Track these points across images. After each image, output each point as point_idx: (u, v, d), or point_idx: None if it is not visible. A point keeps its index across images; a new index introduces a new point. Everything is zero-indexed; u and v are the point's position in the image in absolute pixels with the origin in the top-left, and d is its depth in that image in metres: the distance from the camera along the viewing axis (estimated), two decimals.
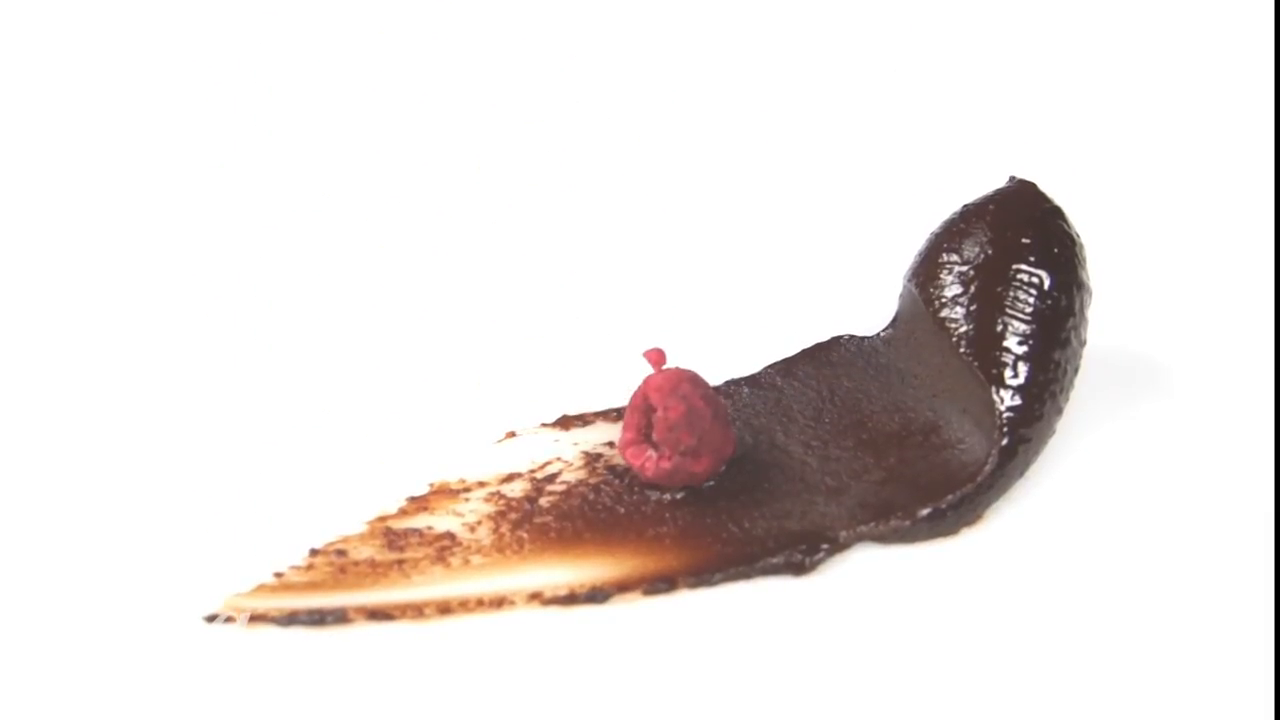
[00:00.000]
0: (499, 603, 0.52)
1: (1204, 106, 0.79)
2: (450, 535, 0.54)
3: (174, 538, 0.55)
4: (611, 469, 0.57)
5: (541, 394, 0.61)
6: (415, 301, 0.68)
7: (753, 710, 0.49)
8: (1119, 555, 0.54)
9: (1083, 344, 0.57)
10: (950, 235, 0.59)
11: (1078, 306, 0.57)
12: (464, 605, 0.52)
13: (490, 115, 0.81)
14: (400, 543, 0.54)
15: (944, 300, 0.58)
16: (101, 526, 0.55)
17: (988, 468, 0.55)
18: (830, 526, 0.54)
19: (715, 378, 0.59)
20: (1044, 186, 0.59)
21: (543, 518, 0.55)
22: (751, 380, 0.61)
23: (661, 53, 0.85)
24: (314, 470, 0.58)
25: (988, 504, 0.55)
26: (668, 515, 0.55)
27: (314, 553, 0.54)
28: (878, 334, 0.62)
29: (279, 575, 0.53)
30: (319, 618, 0.52)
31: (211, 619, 0.52)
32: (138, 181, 0.76)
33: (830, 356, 0.61)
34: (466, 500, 0.56)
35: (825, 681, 0.50)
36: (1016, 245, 0.57)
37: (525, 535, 0.54)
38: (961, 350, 0.57)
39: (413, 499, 0.56)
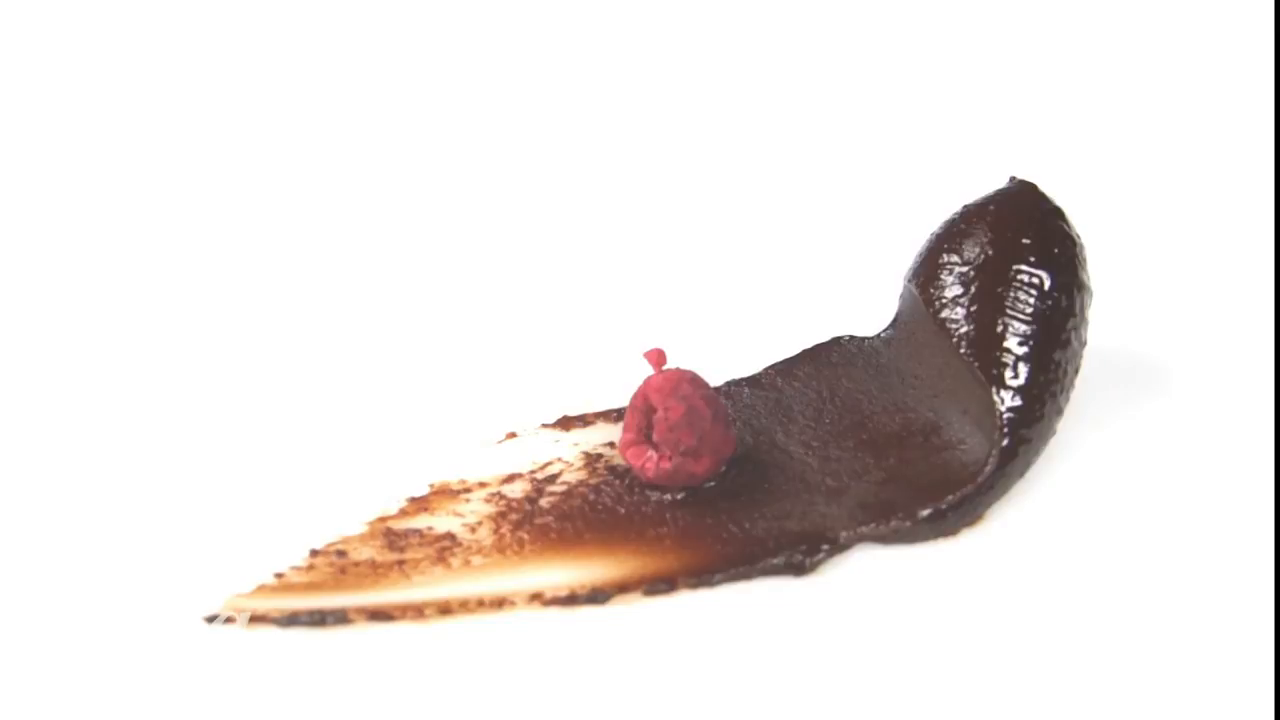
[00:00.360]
0: (499, 603, 0.52)
1: (1204, 106, 0.79)
2: (451, 536, 0.54)
3: (174, 538, 0.55)
4: (612, 469, 0.57)
5: (541, 394, 0.61)
6: (415, 302, 0.67)
7: (753, 710, 0.49)
8: (1120, 555, 0.54)
9: (1083, 344, 0.57)
10: (950, 236, 0.59)
11: (1078, 307, 0.57)
12: (464, 606, 0.52)
13: (490, 115, 0.81)
14: (400, 543, 0.54)
15: (944, 301, 0.58)
16: (102, 527, 0.55)
17: (988, 468, 0.55)
18: (830, 527, 0.54)
19: (715, 378, 0.59)
20: (1044, 187, 0.59)
21: (543, 518, 0.55)
22: (752, 381, 0.61)
23: (662, 53, 0.85)
24: (314, 470, 0.58)
25: (988, 504, 0.55)
26: (668, 516, 0.55)
27: (314, 553, 0.54)
28: (878, 334, 0.62)
29: (279, 575, 0.53)
30: (319, 618, 0.52)
31: (211, 619, 0.51)
32: (138, 183, 0.76)
33: (830, 357, 0.61)
34: (467, 501, 0.56)
35: (825, 682, 0.50)
36: (1017, 246, 0.57)
37: (526, 536, 0.54)
38: (962, 351, 0.57)
39: (413, 499, 0.56)
